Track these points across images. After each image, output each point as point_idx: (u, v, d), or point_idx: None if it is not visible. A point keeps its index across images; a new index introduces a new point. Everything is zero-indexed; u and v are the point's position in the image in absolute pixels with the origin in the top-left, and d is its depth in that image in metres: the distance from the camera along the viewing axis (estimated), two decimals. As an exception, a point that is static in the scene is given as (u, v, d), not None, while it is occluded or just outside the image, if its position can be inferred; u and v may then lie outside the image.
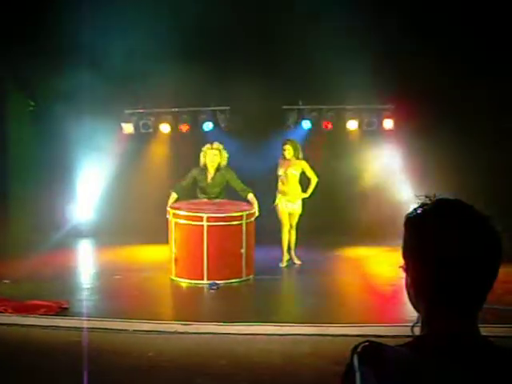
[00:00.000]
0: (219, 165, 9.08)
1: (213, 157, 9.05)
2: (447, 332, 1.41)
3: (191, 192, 9.44)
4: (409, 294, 1.51)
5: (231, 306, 7.43)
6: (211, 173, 9.13)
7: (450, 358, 1.37)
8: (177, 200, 9.05)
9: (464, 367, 1.36)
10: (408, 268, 1.50)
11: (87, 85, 10.48)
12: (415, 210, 1.51)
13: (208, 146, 9.21)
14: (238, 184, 9.09)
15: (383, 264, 9.83)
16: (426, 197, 1.51)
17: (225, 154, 9.13)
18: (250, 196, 8.97)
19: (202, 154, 9.17)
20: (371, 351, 1.36)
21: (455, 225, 1.43)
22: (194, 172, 9.20)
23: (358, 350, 1.37)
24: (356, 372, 1.35)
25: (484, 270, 1.41)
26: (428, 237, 1.44)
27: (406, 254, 1.50)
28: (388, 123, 12.16)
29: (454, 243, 1.41)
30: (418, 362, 1.35)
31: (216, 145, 9.18)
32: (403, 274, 1.53)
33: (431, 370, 1.35)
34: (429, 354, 1.37)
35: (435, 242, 1.42)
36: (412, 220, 1.50)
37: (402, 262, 1.53)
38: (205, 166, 9.13)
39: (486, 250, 1.41)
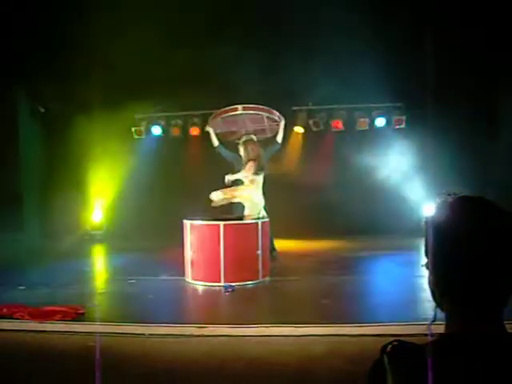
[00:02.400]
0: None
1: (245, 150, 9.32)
2: (473, 331, 1.38)
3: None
4: (432, 292, 1.48)
5: (247, 307, 7.40)
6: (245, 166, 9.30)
7: (476, 357, 1.34)
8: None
9: (488, 367, 1.33)
10: (430, 266, 1.47)
11: (98, 89, 10.53)
12: (436, 207, 1.48)
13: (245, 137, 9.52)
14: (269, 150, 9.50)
15: (398, 263, 9.78)
16: (448, 194, 1.48)
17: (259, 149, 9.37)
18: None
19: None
20: (401, 350, 1.37)
21: (477, 222, 1.40)
22: (236, 155, 9.54)
23: (388, 349, 1.38)
24: (386, 371, 1.36)
25: (508, 269, 1.38)
26: (450, 235, 1.41)
27: (428, 253, 1.47)
28: (398, 121, 12.12)
29: (476, 241, 1.38)
30: (445, 360, 1.33)
31: (250, 137, 9.57)
32: (426, 273, 1.50)
33: (458, 369, 1.33)
34: (454, 353, 1.35)
35: (457, 240, 1.40)
36: (433, 218, 1.47)
37: (423, 259, 1.50)
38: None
39: (509, 248, 1.38)
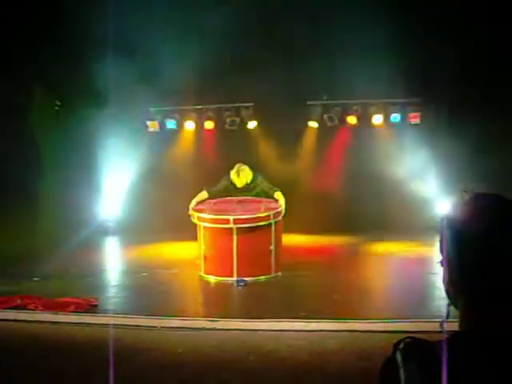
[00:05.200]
0: (246, 183, 9.24)
1: (240, 178, 9.17)
2: (487, 329, 1.37)
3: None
4: (447, 289, 1.47)
5: (259, 302, 7.42)
6: (240, 187, 9.26)
7: (489, 356, 1.33)
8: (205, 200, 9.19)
9: (502, 366, 1.32)
10: (445, 264, 1.46)
11: (113, 83, 10.54)
12: (452, 204, 1.46)
13: (237, 166, 9.27)
14: (265, 185, 9.23)
15: (411, 259, 9.74)
16: (464, 191, 1.47)
17: (250, 173, 9.24)
18: (278, 194, 9.05)
19: (232, 172, 9.25)
20: (414, 347, 1.36)
21: (492, 220, 1.39)
22: (225, 182, 9.35)
23: (401, 346, 1.37)
24: (400, 368, 1.36)
25: None
26: (465, 232, 1.40)
27: (444, 250, 1.46)
28: (414, 117, 12.04)
29: (492, 239, 1.36)
30: (459, 358, 1.32)
31: (242, 167, 9.27)
32: (440, 271, 1.49)
33: (471, 367, 1.32)
34: (468, 351, 1.34)
35: (473, 237, 1.38)
36: (449, 215, 1.45)
37: (438, 257, 1.49)
38: (234, 182, 9.27)
39: None
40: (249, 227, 8.43)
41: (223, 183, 9.35)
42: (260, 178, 9.30)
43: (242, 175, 9.17)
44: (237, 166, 9.30)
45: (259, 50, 11.20)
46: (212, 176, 11.27)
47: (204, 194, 9.23)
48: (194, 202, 9.05)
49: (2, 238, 10.32)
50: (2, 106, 11.57)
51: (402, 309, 6.76)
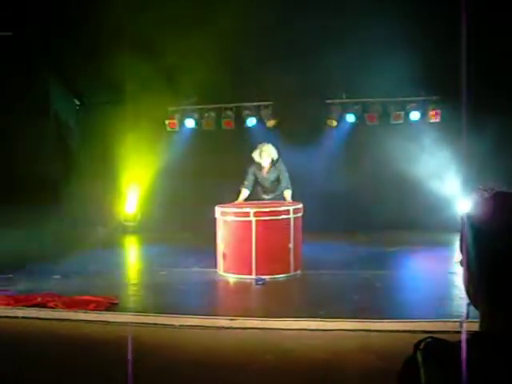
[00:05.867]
0: (272, 160, 9.42)
1: (263, 156, 9.36)
2: (507, 332, 1.34)
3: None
4: (467, 289, 1.44)
5: (277, 301, 7.41)
6: (265, 168, 9.47)
7: (510, 358, 1.30)
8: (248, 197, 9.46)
9: None
10: (465, 263, 1.43)
11: (132, 82, 10.59)
12: (472, 203, 1.44)
13: (260, 145, 9.51)
14: (282, 179, 9.45)
15: (431, 259, 9.67)
16: (484, 189, 1.44)
17: (274, 151, 9.46)
18: (286, 192, 9.30)
19: (256, 153, 9.43)
20: (435, 347, 1.34)
21: None
22: (252, 168, 9.53)
23: (421, 346, 1.35)
24: (420, 368, 1.33)
25: None
26: (485, 231, 1.37)
27: (464, 249, 1.43)
28: (434, 115, 11.94)
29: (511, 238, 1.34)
30: (480, 360, 1.30)
31: (266, 145, 9.50)
32: (460, 270, 1.46)
33: (492, 368, 1.30)
34: (488, 352, 1.31)
35: (493, 236, 1.36)
36: (469, 214, 1.43)
37: (458, 256, 1.47)
38: (259, 163, 9.44)
39: None
40: (268, 221, 8.47)
41: (250, 172, 9.53)
42: (283, 166, 9.49)
43: (265, 154, 9.30)
44: (259, 146, 9.51)
45: (278, 48, 11.18)
46: (232, 175, 11.30)
47: (245, 192, 9.43)
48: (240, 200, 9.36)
49: (24, 237, 10.44)
50: (24, 106, 11.71)
51: (421, 308, 6.71)
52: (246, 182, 9.46)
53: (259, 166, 9.47)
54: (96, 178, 12.11)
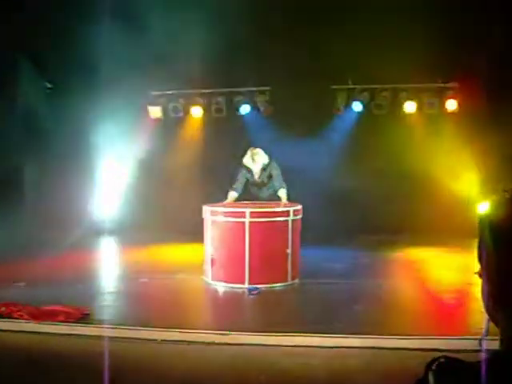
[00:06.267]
0: (263, 165, 9.61)
1: (255, 162, 9.57)
2: None
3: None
4: (486, 303, 1.45)
5: (273, 313, 7.42)
6: (257, 172, 9.67)
7: None
8: (236, 200, 9.54)
9: None
10: (484, 273, 1.44)
11: (110, 63, 10.56)
12: (492, 205, 1.44)
13: (250, 150, 9.66)
14: (276, 178, 9.60)
15: (446, 267, 9.70)
16: (505, 190, 1.45)
17: (265, 156, 9.65)
18: (281, 191, 9.41)
19: (245, 158, 9.62)
20: (449, 368, 1.34)
21: None
22: (243, 171, 9.71)
23: (434, 366, 1.35)
24: None
25: None
26: (507, 238, 1.38)
27: (483, 257, 1.44)
28: (451, 104, 11.96)
29: None
30: (499, 382, 1.30)
31: (256, 150, 9.67)
32: (479, 281, 1.47)
33: None
34: (510, 375, 1.32)
35: None
36: (488, 217, 1.43)
37: (476, 266, 1.47)
38: (250, 168, 9.65)
39: None
40: (264, 223, 8.48)
41: (241, 175, 9.67)
42: (275, 165, 9.64)
43: (257, 158, 9.53)
44: (249, 150, 9.65)
45: (277, 26, 11.18)
46: (222, 169, 11.28)
47: (233, 196, 9.51)
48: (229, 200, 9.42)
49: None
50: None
51: (434, 324, 6.73)
52: (235, 185, 9.60)
53: (250, 171, 9.64)
54: (68, 171, 12.08)
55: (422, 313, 7.38)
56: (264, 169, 9.65)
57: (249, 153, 9.60)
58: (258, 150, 9.62)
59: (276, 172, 9.60)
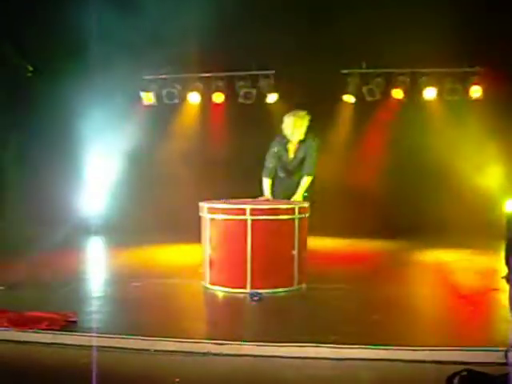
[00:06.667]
0: (301, 138, 9.33)
1: (297, 128, 9.26)
2: None
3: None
4: None
5: (277, 321, 7.43)
6: (294, 145, 9.41)
7: None
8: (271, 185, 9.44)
9: None
10: (514, 278, 1.47)
11: (98, 47, 10.57)
12: None
13: (293, 113, 9.36)
14: (308, 160, 9.38)
15: (469, 271, 9.71)
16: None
17: (306, 120, 9.31)
18: (305, 179, 9.30)
19: (288, 122, 9.31)
20: (471, 382, 1.38)
21: None
22: (275, 148, 9.45)
23: (456, 380, 1.39)
24: None
25: None
26: None
27: (510, 261, 1.47)
28: (476, 91, 11.96)
29: None
30: None
31: (302, 113, 9.34)
32: (506, 286, 1.49)
33: None
34: None
35: None
36: None
37: (503, 270, 1.50)
38: (286, 137, 9.37)
39: None
40: (268, 221, 8.44)
41: (272, 153, 9.45)
42: (314, 144, 9.36)
43: (300, 124, 9.20)
44: (291, 113, 9.35)
45: (281, 4, 11.17)
46: (223, 161, 11.30)
47: (267, 182, 9.42)
48: (267, 194, 9.39)
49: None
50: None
51: (456, 333, 6.74)
52: (267, 168, 9.41)
53: (285, 143, 9.37)
54: (52, 164, 12.10)
55: (442, 321, 7.38)
56: (302, 141, 9.28)
57: (290, 114, 9.32)
58: (303, 113, 9.30)
59: (313, 153, 9.29)
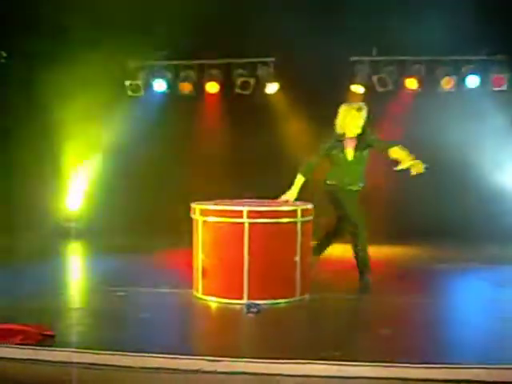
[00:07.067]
0: (362, 131, 9.02)
1: (355, 121, 8.97)
2: None
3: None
4: None
5: (277, 335, 7.42)
6: (352, 144, 9.07)
7: None
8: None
9: None
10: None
11: (79, 30, 10.56)
12: None
13: (346, 105, 9.13)
14: (379, 143, 9.03)
15: (493, 281, 9.70)
16: None
17: (364, 114, 9.01)
18: (394, 151, 8.83)
19: (337, 119, 9.11)
20: None
21: None
22: (327, 143, 9.11)
23: None
24: None
25: None
26: None
27: None
28: (497, 81, 11.97)
29: None
30: None
31: (357, 105, 9.10)
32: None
33: None
34: None
35: None
36: None
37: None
38: (341, 135, 9.07)
39: None
40: (268, 224, 8.43)
41: (324, 146, 9.08)
42: (374, 133, 9.13)
43: (358, 120, 8.92)
44: (347, 105, 9.11)
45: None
46: (217, 158, 11.27)
47: (300, 180, 9.05)
48: (294, 192, 9.04)
49: None
50: None
51: (477, 350, 6.73)
52: (308, 164, 9.09)
53: (342, 144, 9.06)
54: (27, 161, 12.09)
55: (462, 337, 7.37)
56: (361, 138, 8.98)
57: (346, 106, 9.07)
58: (362, 105, 9.01)
59: (372, 138, 8.97)
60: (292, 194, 9.02)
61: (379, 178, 11.68)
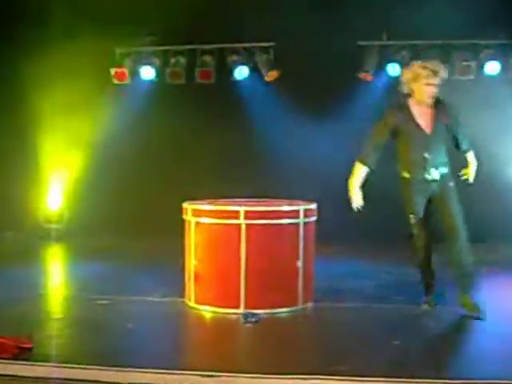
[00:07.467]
0: (438, 99, 7.83)
1: (436, 81, 7.59)
2: None
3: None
4: None
5: (277, 348, 7.44)
6: (428, 114, 7.88)
7: None
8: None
9: None
10: None
11: (62, 10, 10.58)
12: None
13: (414, 63, 7.74)
14: (460, 131, 8.02)
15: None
16: None
17: (444, 74, 7.65)
18: (471, 154, 8.18)
19: (407, 79, 7.76)
20: None
21: None
22: (392, 116, 7.87)
23: None
24: None
25: None
26: None
27: None
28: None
29: None
30: None
31: (434, 64, 7.65)
32: None
33: None
34: None
35: None
36: None
37: None
38: (409, 104, 7.85)
39: None
40: (267, 226, 8.44)
41: (387, 122, 7.84)
42: (456, 112, 7.92)
43: (434, 79, 7.47)
44: (417, 63, 7.66)
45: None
46: (210, 152, 11.27)
47: (362, 169, 8.17)
48: (355, 184, 8.22)
49: None
50: None
51: (497, 364, 6.75)
52: (367, 150, 8.06)
53: (408, 113, 7.81)
54: (4, 157, 12.11)
55: (481, 349, 7.39)
56: (438, 106, 7.72)
57: (416, 64, 7.58)
58: (439, 63, 7.60)
59: (461, 118, 7.78)
60: (355, 195, 8.22)
61: (390, 175, 11.72)
